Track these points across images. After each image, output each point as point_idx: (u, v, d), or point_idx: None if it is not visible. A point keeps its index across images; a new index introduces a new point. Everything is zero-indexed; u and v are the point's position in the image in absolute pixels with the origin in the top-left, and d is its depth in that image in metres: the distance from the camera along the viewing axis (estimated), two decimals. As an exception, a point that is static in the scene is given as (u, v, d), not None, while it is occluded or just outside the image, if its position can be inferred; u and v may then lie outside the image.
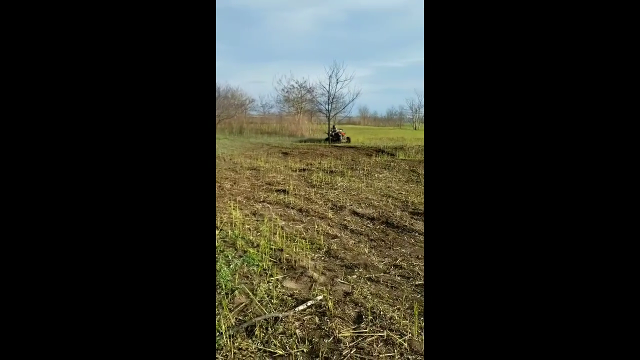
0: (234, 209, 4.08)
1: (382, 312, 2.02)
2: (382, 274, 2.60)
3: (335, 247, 3.08)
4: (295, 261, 2.72)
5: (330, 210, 4.26)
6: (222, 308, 2.01)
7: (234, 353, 1.68)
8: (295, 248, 2.99)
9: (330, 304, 2.09)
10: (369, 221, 3.90)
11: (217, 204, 4.33)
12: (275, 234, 3.32)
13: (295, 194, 5.03)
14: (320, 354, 1.68)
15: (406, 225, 3.71)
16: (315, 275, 2.52)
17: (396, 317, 1.97)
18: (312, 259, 2.82)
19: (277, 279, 2.45)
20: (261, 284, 2.36)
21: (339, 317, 1.98)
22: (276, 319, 1.95)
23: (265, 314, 1.99)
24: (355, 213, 4.18)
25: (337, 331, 1.84)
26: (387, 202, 4.70)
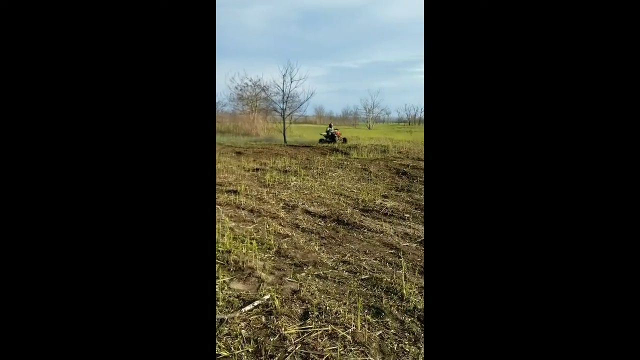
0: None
1: (328, 308, 2.07)
2: (330, 270, 2.66)
3: (286, 247, 3.09)
4: (243, 262, 2.69)
5: (282, 210, 4.26)
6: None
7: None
8: (245, 249, 2.96)
9: (277, 302, 2.10)
10: (320, 219, 3.96)
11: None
12: (223, 235, 3.25)
13: (246, 195, 4.96)
14: (264, 352, 1.69)
15: (356, 222, 3.82)
16: (264, 275, 2.51)
17: (341, 312, 2.03)
18: (262, 259, 2.80)
19: (224, 281, 2.41)
20: (207, 286, 2.30)
21: (286, 315, 2.00)
22: (221, 320, 1.92)
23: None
24: (307, 212, 4.21)
25: (283, 329, 1.86)
26: (339, 200, 4.80)
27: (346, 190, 5.47)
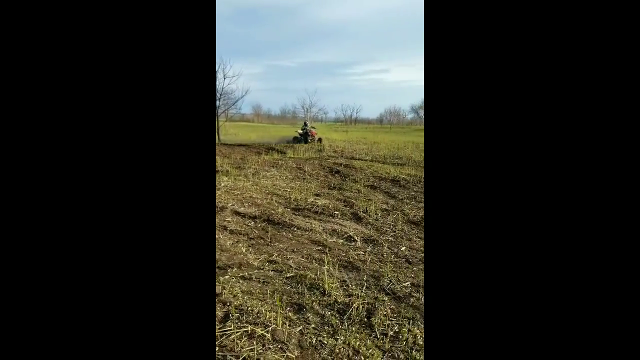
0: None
1: (249, 308, 2.07)
2: (256, 270, 2.65)
3: (212, 249, 3.00)
4: (163, 268, 2.56)
5: (210, 211, 4.12)
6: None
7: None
8: (166, 254, 2.81)
9: (197, 307, 2.04)
10: (250, 220, 3.92)
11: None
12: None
13: (173, 196, 4.70)
14: None
15: (286, 222, 3.85)
16: (185, 280, 2.42)
17: (263, 311, 2.04)
18: (184, 264, 2.69)
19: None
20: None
21: (205, 320, 1.95)
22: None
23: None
24: (236, 213, 4.14)
25: (201, 334, 1.81)
26: (271, 200, 4.79)
27: (279, 189, 5.48)
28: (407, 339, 1.89)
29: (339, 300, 2.23)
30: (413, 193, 5.55)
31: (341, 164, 8.06)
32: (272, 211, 4.21)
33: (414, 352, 1.79)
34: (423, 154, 10.80)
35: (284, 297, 2.25)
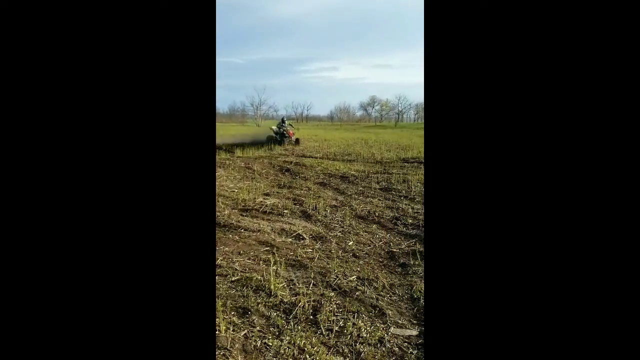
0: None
1: (190, 317, 1.97)
2: (199, 276, 2.54)
3: (151, 257, 2.82)
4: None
5: (151, 217, 3.88)
6: None
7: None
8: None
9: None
10: (194, 223, 3.75)
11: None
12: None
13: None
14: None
15: (233, 223, 3.74)
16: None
17: (205, 318, 1.96)
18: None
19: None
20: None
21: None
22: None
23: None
24: (180, 216, 3.94)
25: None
26: (218, 201, 4.63)
27: (226, 190, 5.31)
28: (352, 332, 1.92)
29: (285, 300, 2.21)
30: (361, 188, 5.69)
31: (291, 162, 8.03)
32: (218, 213, 4.06)
33: (357, 345, 1.82)
34: (371, 151, 11.08)
35: (228, 301, 2.18)
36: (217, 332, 1.84)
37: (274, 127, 11.95)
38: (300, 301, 2.18)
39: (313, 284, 2.47)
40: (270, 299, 2.22)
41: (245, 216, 4.06)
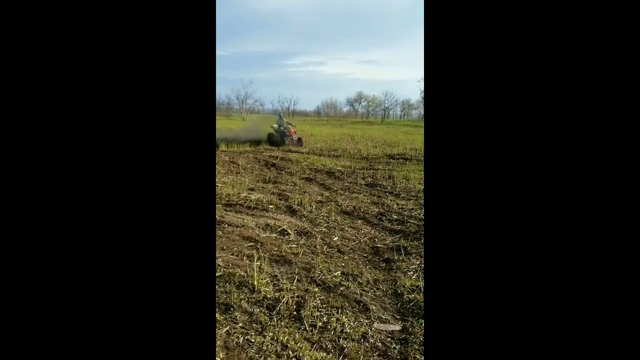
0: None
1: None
2: (180, 272, 2.49)
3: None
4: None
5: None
6: None
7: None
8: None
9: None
10: (177, 218, 3.68)
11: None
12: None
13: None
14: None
15: (216, 219, 3.68)
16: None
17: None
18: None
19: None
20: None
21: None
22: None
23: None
24: (162, 211, 3.85)
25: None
26: (201, 196, 4.55)
27: (210, 185, 5.22)
28: (336, 328, 1.91)
29: (269, 296, 2.18)
30: (347, 184, 5.69)
31: (277, 157, 7.97)
32: (202, 208, 3.99)
33: (341, 341, 1.82)
34: (357, 147, 11.10)
35: (211, 298, 2.14)
36: (198, 329, 1.80)
37: (275, 125, 10.60)
38: (284, 297, 2.16)
39: (297, 279, 2.45)
40: (254, 295, 2.19)
41: (229, 211, 4.00)
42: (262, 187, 5.25)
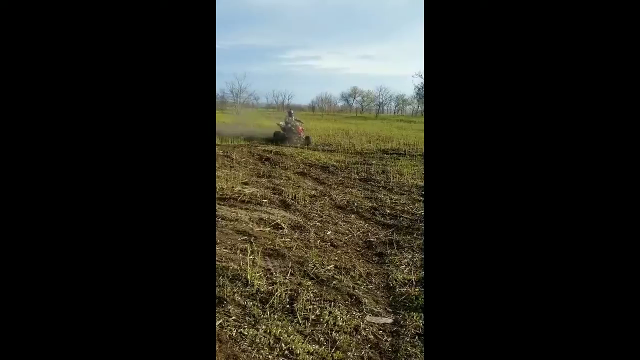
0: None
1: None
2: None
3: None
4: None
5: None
6: None
7: None
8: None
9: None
10: (169, 212, 3.66)
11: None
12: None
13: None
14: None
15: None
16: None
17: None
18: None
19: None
20: None
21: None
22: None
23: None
24: (154, 205, 3.83)
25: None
26: (195, 189, 4.53)
27: (204, 178, 5.20)
28: (328, 321, 1.93)
29: (262, 290, 2.19)
30: (341, 179, 5.71)
31: (271, 151, 7.94)
32: (195, 202, 3.98)
33: (333, 333, 1.84)
34: (352, 141, 11.10)
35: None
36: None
37: (282, 123, 9.93)
38: (277, 290, 2.17)
39: (290, 273, 2.46)
40: (247, 289, 2.20)
41: (223, 205, 3.99)
42: (256, 181, 5.24)
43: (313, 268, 2.55)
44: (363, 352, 1.73)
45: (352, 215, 3.91)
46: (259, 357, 1.65)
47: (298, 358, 1.66)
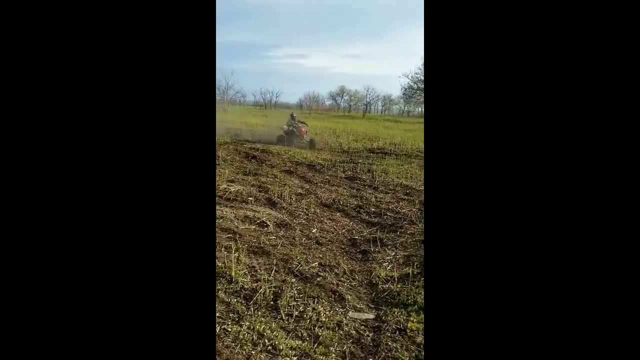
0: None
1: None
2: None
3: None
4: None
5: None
6: None
7: None
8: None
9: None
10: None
11: None
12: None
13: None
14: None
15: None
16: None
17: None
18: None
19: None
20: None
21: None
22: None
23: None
24: (138, 202, 3.78)
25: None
26: (179, 187, 4.48)
27: (189, 176, 5.15)
28: (311, 317, 1.96)
29: (246, 287, 2.21)
30: (327, 177, 5.74)
31: (258, 149, 7.91)
32: (180, 199, 3.94)
33: (316, 329, 1.87)
34: (339, 140, 11.12)
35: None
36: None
37: (285, 127, 9.53)
38: (261, 287, 2.19)
39: (275, 270, 2.48)
40: (231, 286, 2.21)
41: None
42: (242, 179, 5.22)
43: (297, 265, 2.57)
44: (345, 347, 1.77)
45: (338, 213, 3.95)
46: (242, 353, 1.66)
47: (281, 353, 1.68)
